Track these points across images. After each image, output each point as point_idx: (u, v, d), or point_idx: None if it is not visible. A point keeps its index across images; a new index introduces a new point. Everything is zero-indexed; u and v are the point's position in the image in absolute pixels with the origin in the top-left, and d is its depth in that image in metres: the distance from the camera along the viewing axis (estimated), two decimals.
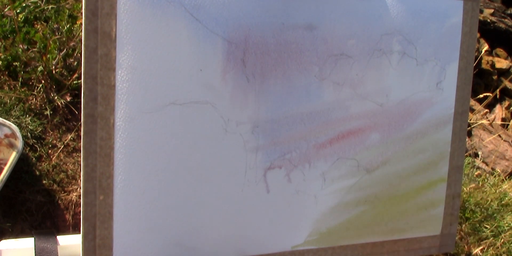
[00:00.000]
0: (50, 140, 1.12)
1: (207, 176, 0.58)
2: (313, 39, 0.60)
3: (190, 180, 0.58)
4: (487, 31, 3.07)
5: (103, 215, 0.53)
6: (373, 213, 0.72)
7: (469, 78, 0.71)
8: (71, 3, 1.26)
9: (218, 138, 0.58)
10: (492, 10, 3.27)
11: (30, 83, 1.15)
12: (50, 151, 1.11)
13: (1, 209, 1.02)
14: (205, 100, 0.57)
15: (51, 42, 1.14)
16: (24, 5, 1.21)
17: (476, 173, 1.76)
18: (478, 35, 0.88)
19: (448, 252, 1.24)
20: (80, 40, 1.18)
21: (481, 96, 2.10)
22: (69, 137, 1.13)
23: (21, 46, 1.14)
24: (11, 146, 0.97)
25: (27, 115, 1.11)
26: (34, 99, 1.13)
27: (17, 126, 1.00)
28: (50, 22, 1.22)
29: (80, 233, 0.53)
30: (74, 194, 1.08)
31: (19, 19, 1.19)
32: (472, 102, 2.40)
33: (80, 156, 1.01)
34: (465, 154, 0.90)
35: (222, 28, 0.55)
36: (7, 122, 0.98)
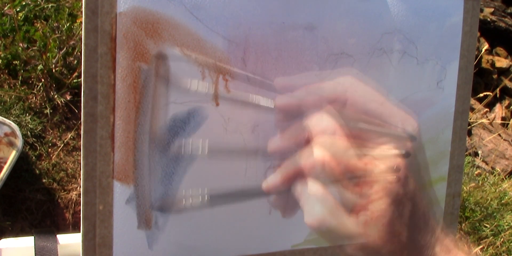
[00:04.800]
0: (50, 139, 1.12)
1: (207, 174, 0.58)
2: (313, 38, 0.60)
3: (190, 179, 0.58)
4: (487, 30, 3.07)
5: (103, 214, 0.53)
6: None
7: (469, 77, 0.71)
8: (71, 2, 1.26)
9: (218, 137, 0.58)
10: (492, 9, 3.27)
11: (30, 81, 1.15)
12: (50, 149, 1.11)
13: (1, 208, 1.02)
14: (205, 99, 0.57)
15: (51, 41, 1.14)
16: (24, 3, 1.21)
17: (476, 172, 1.76)
18: (478, 34, 0.88)
19: None
20: (80, 39, 1.18)
21: (481, 95, 2.11)
22: (69, 136, 1.13)
23: (21, 45, 1.14)
24: (11, 144, 0.97)
25: (27, 114, 1.11)
26: (34, 97, 1.13)
27: (17, 124, 1.00)
28: (50, 21, 1.22)
29: (80, 232, 0.53)
30: (74, 193, 1.08)
31: (19, 17, 1.19)
32: (472, 101, 2.41)
33: (80, 155, 1.01)
34: (465, 153, 0.90)
35: (222, 27, 0.55)
36: (7, 120, 0.98)
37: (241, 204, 0.61)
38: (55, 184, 1.09)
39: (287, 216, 0.49)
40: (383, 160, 0.40)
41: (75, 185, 1.10)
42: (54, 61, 1.15)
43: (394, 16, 0.64)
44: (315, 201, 0.43)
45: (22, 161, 1.07)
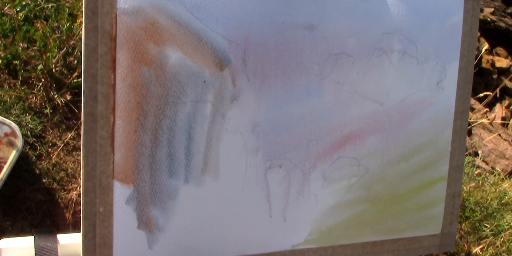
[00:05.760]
0: (50, 139, 1.12)
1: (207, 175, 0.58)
2: (313, 38, 0.60)
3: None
4: (487, 30, 3.07)
5: (103, 214, 0.53)
6: (373, 212, 0.72)
7: (469, 77, 0.71)
8: (71, 2, 1.26)
9: (218, 137, 0.58)
10: (492, 9, 3.27)
11: (30, 81, 1.15)
12: (50, 149, 1.11)
13: (1, 208, 1.02)
14: (206, 99, 0.57)
15: (51, 41, 1.14)
16: (24, 3, 1.21)
17: (476, 172, 1.76)
18: (478, 34, 0.88)
19: (448, 251, 1.24)
20: (80, 39, 1.18)
21: (481, 95, 2.10)
22: (69, 136, 1.13)
23: (21, 45, 1.14)
24: (11, 144, 0.97)
25: (27, 114, 1.11)
26: (34, 97, 1.13)
27: (17, 124, 1.00)
28: (50, 21, 1.22)
29: (80, 232, 0.53)
30: (74, 192, 1.08)
31: (19, 17, 1.19)
32: (472, 101, 2.40)
33: (80, 155, 1.01)
34: (465, 153, 0.90)
35: (222, 27, 0.55)
36: (7, 120, 0.98)
37: (242, 208, 0.61)
38: (55, 184, 1.09)
39: None
40: None
41: (75, 185, 1.10)
42: (54, 61, 1.15)
43: (394, 16, 0.64)
44: None
45: (22, 161, 1.07)
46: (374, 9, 0.63)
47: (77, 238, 0.76)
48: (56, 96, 1.14)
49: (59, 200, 1.07)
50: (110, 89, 0.52)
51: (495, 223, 1.53)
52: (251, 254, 0.63)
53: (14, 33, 1.16)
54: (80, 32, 1.19)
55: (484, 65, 2.96)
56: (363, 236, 0.71)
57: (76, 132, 1.14)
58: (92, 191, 0.53)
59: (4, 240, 0.74)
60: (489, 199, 1.61)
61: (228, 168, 0.59)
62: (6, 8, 1.18)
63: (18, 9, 1.20)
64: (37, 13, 1.23)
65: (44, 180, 1.08)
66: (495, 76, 2.99)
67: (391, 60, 0.65)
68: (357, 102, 0.65)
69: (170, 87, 0.54)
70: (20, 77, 1.14)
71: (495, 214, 1.58)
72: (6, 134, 0.97)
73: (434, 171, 0.73)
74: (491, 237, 1.52)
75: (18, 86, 1.13)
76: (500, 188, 1.69)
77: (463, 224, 1.53)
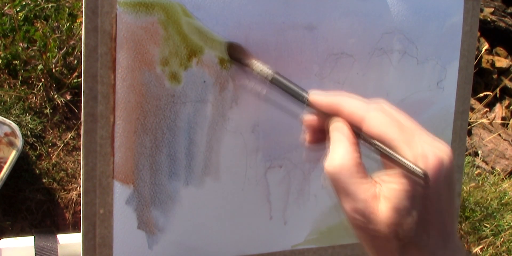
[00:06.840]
0: (50, 139, 1.12)
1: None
2: (313, 38, 0.60)
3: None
4: (487, 30, 3.08)
5: (103, 214, 0.53)
6: None
7: (469, 77, 0.71)
8: (71, 2, 1.26)
9: (218, 137, 0.58)
10: (492, 9, 3.28)
11: (30, 81, 1.15)
12: (50, 149, 1.11)
13: (1, 208, 1.02)
14: (206, 99, 0.57)
15: (51, 41, 1.14)
16: (24, 3, 1.21)
17: (476, 172, 1.76)
18: (478, 34, 0.88)
19: None
20: (80, 39, 1.18)
21: (481, 95, 2.11)
22: (69, 136, 1.13)
23: (21, 45, 1.14)
24: (11, 144, 0.97)
25: (27, 114, 1.11)
26: (34, 97, 1.13)
27: (17, 124, 1.00)
28: (50, 21, 1.22)
29: (80, 232, 0.53)
30: (74, 192, 1.09)
31: (19, 17, 1.19)
32: (472, 101, 2.41)
33: (80, 155, 1.01)
34: (465, 153, 0.90)
35: (222, 27, 0.55)
36: (7, 120, 0.98)
37: (242, 208, 0.61)
38: (55, 184, 1.09)
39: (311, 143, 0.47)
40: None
41: (75, 185, 1.10)
42: (54, 61, 1.15)
43: (394, 16, 0.64)
44: (342, 148, 0.41)
45: (22, 161, 1.07)
46: (374, 9, 0.63)
47: (77, 238, 0.76)
48: (56, 96, 1.14)
49: (59, 200, 1.07)
50: (110, 89, 0.52)
51: (495, 223, 1.54)
52: (251, 254, 0.63)
53: (14, 33, 1.16)
54: (80, 32, 1.19)
55: (484, 65, 2.96)
56: None
57: (76, 132, 1.15)
58: (92, 191, 0.53)
59: (4, 240, 0.74)
60: (489, 199, 1.61)
61: (229, 168, 0.59)
62: (6, 8, 1.19)
63: (18, 9, 1.20)
64: (37, 13, 1.23)
65: (44, 180, 1.08)
66: (495, 76, 3.00)
67: (391, 60, 0.65)
68: None
69: (170, 86, 0.54)
70: (20, 77, 1.14)
71: (495, 214, 1.58)
72: (6, 134, 0.97)
73: None
74: (491, 237, 1.52)
75: (18, 86, 1.13)
76: (500, 188, 1.69)
77: (463, 224, 1.53)
